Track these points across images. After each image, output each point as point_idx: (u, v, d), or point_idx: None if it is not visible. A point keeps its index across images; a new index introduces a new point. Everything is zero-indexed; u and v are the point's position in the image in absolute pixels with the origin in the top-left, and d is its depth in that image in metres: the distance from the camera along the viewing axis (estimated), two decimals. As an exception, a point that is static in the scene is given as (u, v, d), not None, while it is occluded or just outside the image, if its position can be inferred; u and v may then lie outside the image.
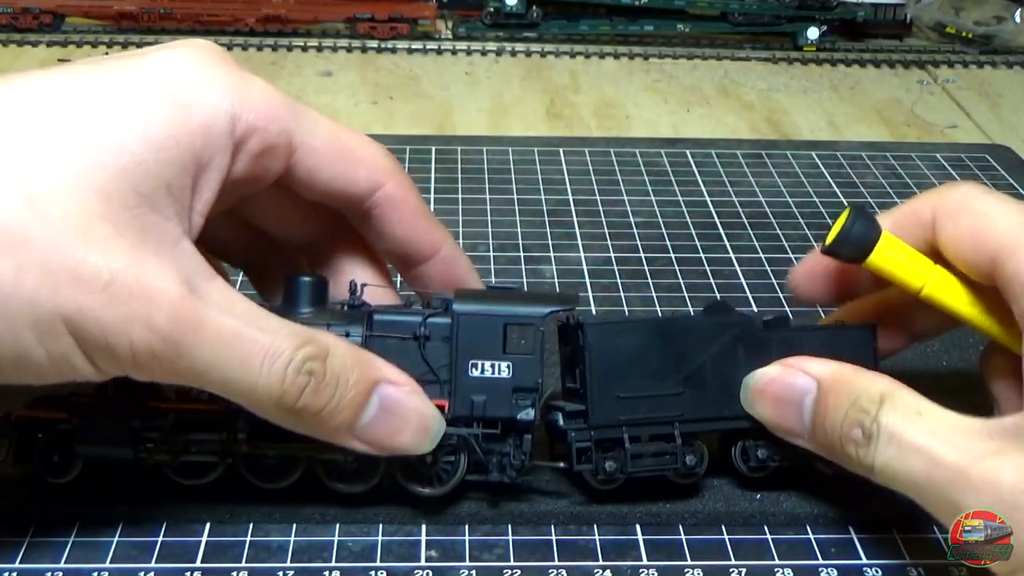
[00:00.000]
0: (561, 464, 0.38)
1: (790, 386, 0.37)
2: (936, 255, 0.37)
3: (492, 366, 0.37)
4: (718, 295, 0.55)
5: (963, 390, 0.38)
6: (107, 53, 0.93)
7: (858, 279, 0.40)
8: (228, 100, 0.33)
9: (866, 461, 0.34)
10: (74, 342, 0.31)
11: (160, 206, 0.32)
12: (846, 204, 0.36)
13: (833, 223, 0.37)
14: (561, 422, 0.38)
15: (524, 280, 0.55)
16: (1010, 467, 0.31)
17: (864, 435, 0.34)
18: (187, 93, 0.33)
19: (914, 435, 0.33)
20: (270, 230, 0.41)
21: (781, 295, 0.55)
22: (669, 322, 0.39)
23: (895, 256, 0.37)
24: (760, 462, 0.39)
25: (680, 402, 0.38)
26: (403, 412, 0.35)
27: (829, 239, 0.37)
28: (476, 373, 0.37)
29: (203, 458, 0.38)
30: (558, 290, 0.40)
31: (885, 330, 0.40)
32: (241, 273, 0.45)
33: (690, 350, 0.38)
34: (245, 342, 0.32)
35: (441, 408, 0.36)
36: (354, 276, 0.39)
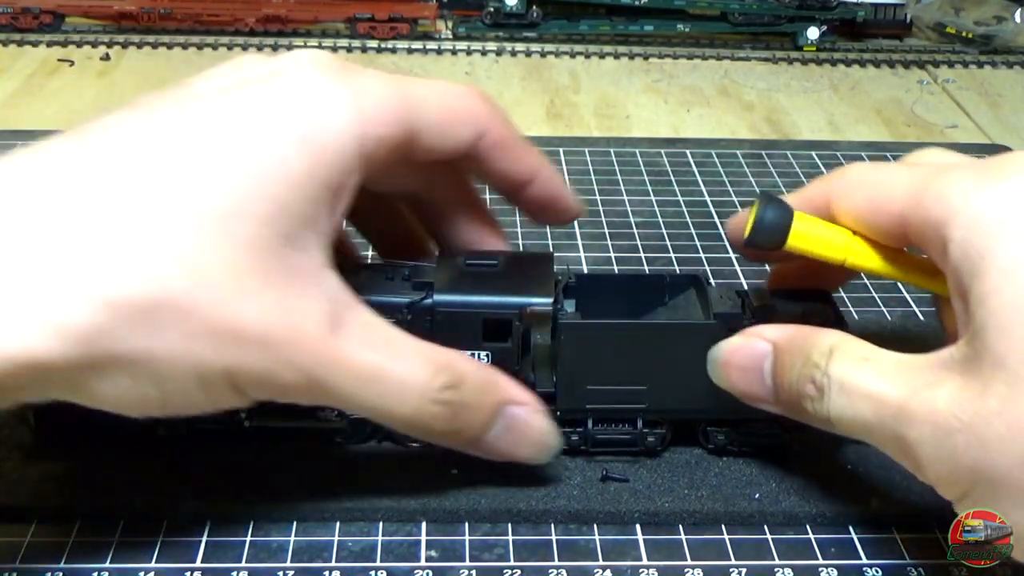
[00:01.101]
0: None
1: (750, 352, 0.37)
2: None
3: (473, 356, 0.38)
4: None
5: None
6: (107, 53, 0.93)
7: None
8: (355, 121, 0.34)
9: (822, 414, 0.34)
10: (231, 387, 0.32)
11: (303, 243, 0.33)
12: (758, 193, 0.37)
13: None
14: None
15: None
16: (943, 395, 0.31)
17: (817, 388, 0.34)
18: (316, 124, 0.33)
19: (860, 380, 0.33)
20: (374, 188, 0.41)
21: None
22: (642, 326, 0.39)
23: (812, 234, 0.37)
24: (719, 445, 0.41)
25: (646, 395, 0.39)
26: (525, 430, 0.38)
27: (746, 232, 0.37)
28: None
29: (209, 426, 0.39)
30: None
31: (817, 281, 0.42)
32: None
33: (660, 350, 0.39)
34: (384, 377, 0.34)
35: None
36: (456, 223, 0.42)
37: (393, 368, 0.34)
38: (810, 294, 0.41)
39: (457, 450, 0.38)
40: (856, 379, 0.33)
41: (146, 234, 0.30)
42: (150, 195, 0.31)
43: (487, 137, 0.38)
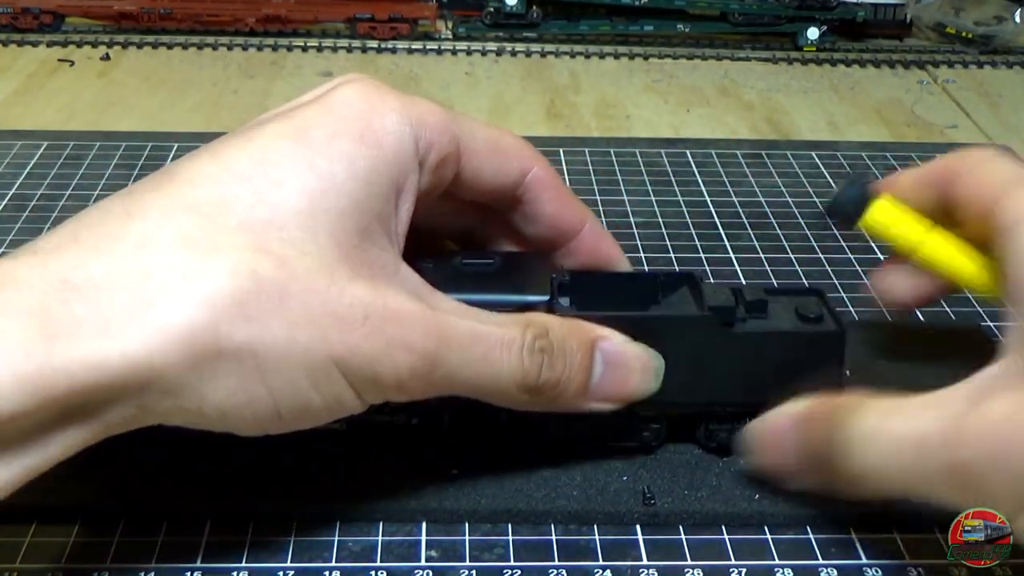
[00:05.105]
0: None
1: (776, 425, 0.38)
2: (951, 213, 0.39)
3: None
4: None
5: None
6: (107, 54, 0.93)
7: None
8: (407, 124, 0.35)
9: (853, 469, 0.35)
10: (345, 381, 0.32)
11: (375, 238, 0.34)
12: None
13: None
14: None
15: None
16: (999, 406, 0.31)
17: (845, 445, 0.35)
18: (373, 126, 0.35)
19: (893, 426, 0.34)
20: (428, 229, 0.42)
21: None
22: (637, 318, 0.39)
23: (887, 219, 0.38)
24: (724, 443, 0.41)
25: None
26: (625, 360, 0.38)
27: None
28: None
29: None
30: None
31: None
32: None
33: (654, 344, 0.39)
34: (482, 339, 0.34)
35: None
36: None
37: (488, 330, 0.35)
38: (803, 290, 0.42)
39: (573, 412, 0.37)
40: (887, 427, 0.34)
41: (230, 237, 0.31)
42: (227, 203, 0.32)
43: (533, 175, 0.40)
